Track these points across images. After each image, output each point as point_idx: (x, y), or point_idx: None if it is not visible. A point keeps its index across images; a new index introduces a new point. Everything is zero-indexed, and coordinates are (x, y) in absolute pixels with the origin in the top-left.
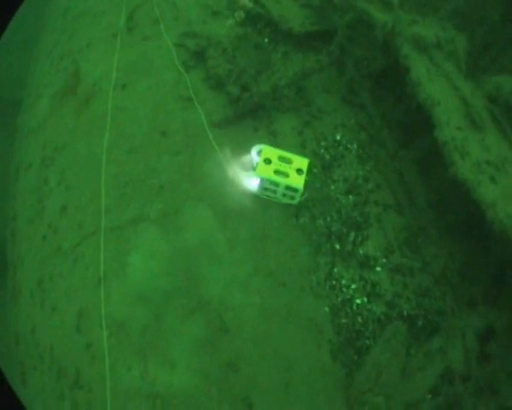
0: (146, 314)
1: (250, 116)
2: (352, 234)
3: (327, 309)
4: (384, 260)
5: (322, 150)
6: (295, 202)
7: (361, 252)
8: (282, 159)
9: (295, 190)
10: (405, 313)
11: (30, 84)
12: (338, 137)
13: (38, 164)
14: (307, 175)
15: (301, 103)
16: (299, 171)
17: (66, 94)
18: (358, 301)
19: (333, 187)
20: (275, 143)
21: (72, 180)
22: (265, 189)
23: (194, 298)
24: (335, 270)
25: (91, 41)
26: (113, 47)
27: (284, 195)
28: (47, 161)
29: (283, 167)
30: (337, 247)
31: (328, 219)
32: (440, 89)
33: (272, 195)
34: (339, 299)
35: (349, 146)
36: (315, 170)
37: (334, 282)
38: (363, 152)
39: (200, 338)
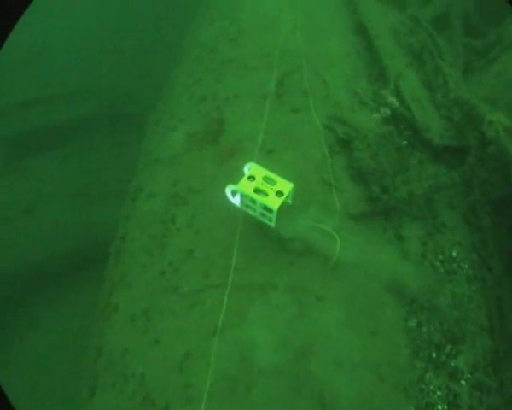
0: (253, 377)
1: (383, 216)
2: (449, 347)
3: (412, 409)
4: (469, 375)
5: (438, 263)
6: (272, 224)
7: (452, 364)
8: (266, 179)
9: (270, 210)
10: None
11: (161, 111)
12: (454, 254)
13: (166, 199)
14: (289, 199)
15: (429, 214)
16: (278, 193)
17: (207, 139)
18: (440, 407)
19: (442, 300)
20: (401, 248)
21: (204, 227)
22: (247, 206)
23: (302, 373)
24: (427, 375)
25: (239, 94)
26: (262, 108)
27: (262, 214)
28: (177, 199)
29: (265, 187)
30: (433, 355)
31: (432, 328)
32: None
33: (252, 213)
34: (424, 401)
35: (462, 264)
36: (429, 280)
37: (423, 386)
38: (472, 272)
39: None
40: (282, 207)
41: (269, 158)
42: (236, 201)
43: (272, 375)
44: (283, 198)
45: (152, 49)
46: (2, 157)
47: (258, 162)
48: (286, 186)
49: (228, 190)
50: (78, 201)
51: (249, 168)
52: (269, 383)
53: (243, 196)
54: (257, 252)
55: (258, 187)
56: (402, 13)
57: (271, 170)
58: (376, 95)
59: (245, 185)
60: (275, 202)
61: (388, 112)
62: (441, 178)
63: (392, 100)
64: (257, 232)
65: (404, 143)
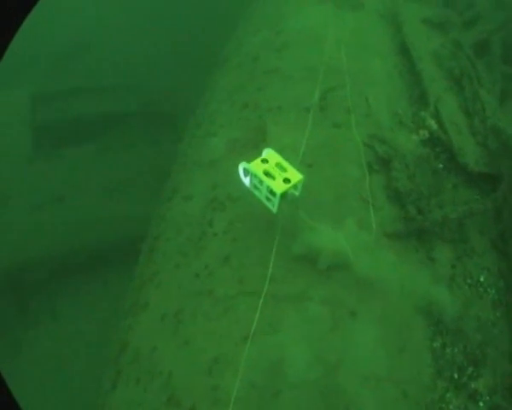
0: (281, 386)
1: (416, 237)
2: (470, 369)
3: None
4: (487, 397)
5: (466, 287)
6: (274, 210)
7: (472, 386)
8: (279, 165)
9: (274, 193)
10: None
11: (201, 115)
12: (481, 279)
13: (204, 203)
14: (297, 190)
15: (459, 238)
16: (286, 180)
17: (247, 146)
18: None
19: (467, 323)
20: (432, 269)
21: (241, 235)
22: (255, 186)
23: (330, 386)
24: (448, 395)
25: (282, 105)
26: (304, 121)
27: (267, 198)
28: (215, 204)
29: (275, 171)
30: (455, 376)
31: (456, 350)
32: None
33: (259, 195)
34: None
35: (488, 290)
36: (456, 303)
37: (443, 405)
38: (498, 298)
39: None
40: (289, 197)
41: (309, 171)
42: (247, 181)
43: (300, 386)
44: (289, 186)
45: (191, 51)
46: (37, 144)
47: None
48: (295, 176)
49: (240, 168)
50: (110, 195)
51: (266, 153)
52: (296, 393)
53: (252, 177)
54: (293, 263)
55: (269, 171)
56: (444, 36)
57: (310, 183)
58: (416, 116)
59: (256, 166)
60: (279, 187)
61: (427, 134)
62: (474, 204)
63: (431, 122)
64: (294, 243)
65: (440, 166)
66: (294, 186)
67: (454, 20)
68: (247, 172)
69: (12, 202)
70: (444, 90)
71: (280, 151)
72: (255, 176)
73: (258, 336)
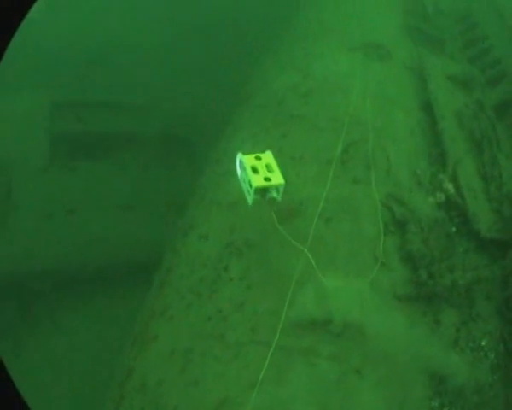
0: None
1: (425, 300)
2: None
3: None
4: None
5: (468, 351)
6: (249, 201)
7: None
8: (268, 165)
9: (251, 185)
10: None
11: (224, 151)
12: (483, 343)
13: (220, 245)
14: (279, 195)
15: (466, 303)
16: (267, 179)
17: None
18: None
19: (465, 385)
20: (437, 333)
21: (257, 283)
22: (243, 179)
23: None
24: None
25: (305, 155)
26: (326, 173)
27: (247, 191)
28: (232, 249)
29: (261, 169)
30: None
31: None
32: None
33: (243, 186)
34: None
35: (489, 354)
36: (458, 366)
37: None
38: (497, 362)
39: None
40: (268, 199)
41: (326, 225)
42: (239, 172)
43: None
44: (267, 184)
45: (214, 78)
46: (54, 153)
47: (315, 230)
48: (277, 178)
49: (237, 159)
50: (120, 214)
51: (264, 153)
52: None
53: (242, 169)
54: (302, 323)
55: (256, 167)
56: (468, 95)
57: (327, 238)
58: (434, 178)
59: (247, 159)
60: (257, 181)
61: (443, 198)
62: (483, 271)
63: (449, 186)
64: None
65: (453, 229)
66: (277, 190)
67: (479, 78)
68: (241, 163)
69: (23, 210)
70: (463, 152)
71: (300, 202)
72: (244, 168)
73: (265, 385)
